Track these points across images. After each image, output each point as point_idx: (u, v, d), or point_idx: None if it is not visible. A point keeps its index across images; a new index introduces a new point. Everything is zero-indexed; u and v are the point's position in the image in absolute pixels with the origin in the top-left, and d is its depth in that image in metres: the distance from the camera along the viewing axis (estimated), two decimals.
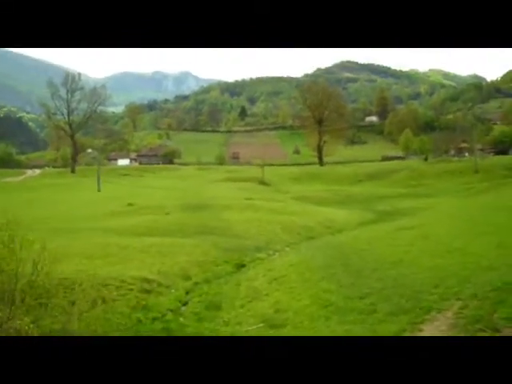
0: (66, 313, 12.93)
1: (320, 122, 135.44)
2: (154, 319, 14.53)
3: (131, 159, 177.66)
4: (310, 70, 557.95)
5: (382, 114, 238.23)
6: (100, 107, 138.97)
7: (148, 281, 17.73)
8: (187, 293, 17.88)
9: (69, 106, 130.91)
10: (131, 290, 16.47)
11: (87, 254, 21.30)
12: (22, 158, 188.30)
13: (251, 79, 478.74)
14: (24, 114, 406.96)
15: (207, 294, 17.39)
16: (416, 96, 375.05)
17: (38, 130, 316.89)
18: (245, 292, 16.68)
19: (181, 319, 14.66)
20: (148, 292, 16.86)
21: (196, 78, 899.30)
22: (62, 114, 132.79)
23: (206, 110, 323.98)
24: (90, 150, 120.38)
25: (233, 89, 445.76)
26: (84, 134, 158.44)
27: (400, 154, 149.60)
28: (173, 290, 17.82)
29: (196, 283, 19.30)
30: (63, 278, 15.14)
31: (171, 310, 15.57)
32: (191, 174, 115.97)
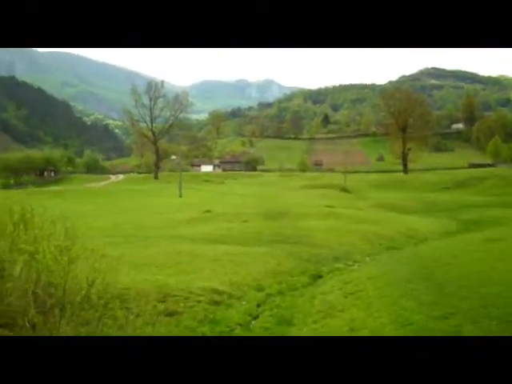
0: (128, 325, 12.18)
1: (404, 129, 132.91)
2: (221, 334, 13.63)
3: (214, 166, 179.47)
4: (395, 77, 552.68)
5: (469, 120, 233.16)
6: (183, 114, 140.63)
7: (218, 292, 16.83)
8: (259, 305, 16.84)
9: (152, 114, 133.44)
10: (199, 301, 15.60)
11: (158, 262, 20.67)
12: (108, 163, 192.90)
13: (334, 87, 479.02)
14: (110, 121, 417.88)
15: (279, 308, 16.33)
16: (505, 102, 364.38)
17: (123, 137, 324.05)
18: (319, 306, 15.56)
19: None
20: (217, 304, 15.94)
21: (279, 86, 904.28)
22: (145, 121, 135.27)
23: (289, 118, 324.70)
24: (173, 157, 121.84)
25: (316, 96, 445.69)
26: (168, 141, 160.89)
27: (488, 161, 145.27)
28: (244, 302, 16.82)
29: (269, 295, 18.25)
30: (129, 288, 14.48)
31: (240, 324, 14.54)
32: (273, 180, 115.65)
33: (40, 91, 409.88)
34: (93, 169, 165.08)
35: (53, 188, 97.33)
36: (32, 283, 10.37)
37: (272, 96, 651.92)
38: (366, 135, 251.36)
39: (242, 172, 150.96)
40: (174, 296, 15.35)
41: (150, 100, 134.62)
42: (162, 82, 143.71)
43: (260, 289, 18.85)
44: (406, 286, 14.99)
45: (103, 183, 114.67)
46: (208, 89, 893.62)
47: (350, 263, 25.01)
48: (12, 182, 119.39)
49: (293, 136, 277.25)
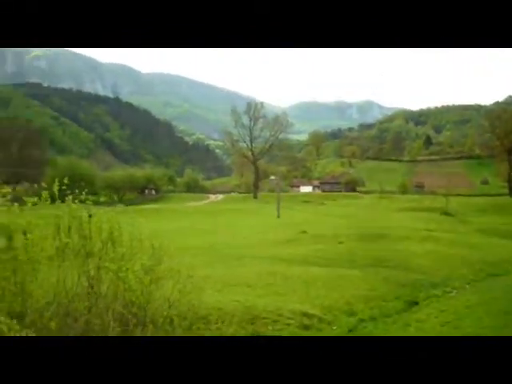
0: None
1: (510, 151, 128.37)
2: None
3: (314, 186, 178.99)
4: (501, 98, 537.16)
5: None
6: (283, 135, 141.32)
7: (308, 316, 16.34)
8: (350, 331, 16.27)
9: (251, 134, 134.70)
10: (288, 324, 15.18)
11: (249, 283, 20.41)
12: (208, 183, 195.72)
13: (436, 107, 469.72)
14: (211, 141, 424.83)
15: (372, 334, 15.73)
16: None
17: (224, 157, 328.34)
18: (414, 335, 14.88)
19: None
20: (307, 328, 15.46)
21: (380, 107, 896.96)
22: (245, 142, 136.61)
23: (390, 139, 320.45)
24: (272, 177, 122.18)
25: (417, 117, 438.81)
26: (268, 161, 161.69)
27: None
28: (334, 327, 16.28)
29: (361, 320, 17.60)
30: (216, 308, 14.25)
31: None
32: (372, 202, 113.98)
33: (143, 111, 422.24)
34: (193, 188, 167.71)
35: (152, 206, 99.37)
36: (117, 302, 10.34)
37: (372, 117, 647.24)
38: (470, 157, 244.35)
39: (342, 193, 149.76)
40: (263, 318, 15.01)
41: (250, 120, 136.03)
42: (262, 103, 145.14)
43: (352, 313, 18.24)
44: (507, 317, 14.13)
45: (202, 202, 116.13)
46: (307, 110, 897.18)
47: (448, 290, 23.94)
48: (116, 198, 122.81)
49: (393, 157, 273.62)
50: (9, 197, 9.47)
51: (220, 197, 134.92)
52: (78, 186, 12.39)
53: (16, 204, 9.37)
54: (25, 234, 9.14)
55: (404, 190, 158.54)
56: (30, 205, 9.90)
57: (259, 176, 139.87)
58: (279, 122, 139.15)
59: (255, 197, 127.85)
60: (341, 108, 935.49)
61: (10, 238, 8.86)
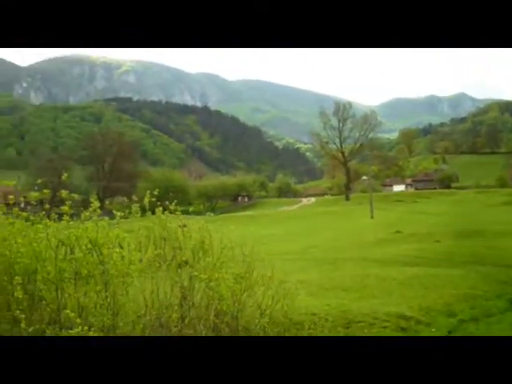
0: None
1: None
2: None
3: (406, 185, 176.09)
4: None
5: None
6: (372, 134, 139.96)
7: (405, 318, 15.91)
8: (449, 332, 15.76)
9: (341, 135, 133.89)
10: (385, 327, 14.80)
11: (344, 286, 20.10)
12: (300, 187, 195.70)
13: None
14: (301, 144, 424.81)
15: (473, 335, 15.18)
16: None
17: (314, 160, 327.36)
18: None
19: None
20: (404, 330, 15.07)
21: (472, 99, 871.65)
22: (335, 143, 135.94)
23: (485, 132, 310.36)
24: (364, 177, 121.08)
25: None
26: (359, 161, 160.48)
27: None
28: (433, 329, 15.79)
29: (461, 321, 16.98)
30: (311, 313, 14.08)
31: None
32: (468, 198, 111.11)
33: (232, 119, 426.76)
34: (285, 192, 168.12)
35: (245, 213, 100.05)
36: (209, 311, 10.34)
37: (465, 110, 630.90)
38: None
39: (436, 190, 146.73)
40: (358, 322, 14.73)
41: (339, 121, 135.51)
42: (350, 103, 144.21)
43: (451, 314, 17.65)
44: None
45: (295, 206, 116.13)
46: (397, 107, 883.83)
47: None
48: (208, 207, 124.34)
49: (489, 150, 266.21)
50: (100, 211, 9.52)
51: (312, 200, 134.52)
52: (171, 196, 12.51)
53: (106, 218, 9.49)
54: (115, 247, 9.24)
55: (502, 183, 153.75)
56: (118, 218, 10.01)
57: (351, 177, 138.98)
58: (368, 121, 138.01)
59: (347, 198, 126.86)
60: (432, 103, 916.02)
61: (100, 253, 8.97)
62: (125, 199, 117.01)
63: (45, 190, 10.14)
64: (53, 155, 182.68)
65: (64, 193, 9.29)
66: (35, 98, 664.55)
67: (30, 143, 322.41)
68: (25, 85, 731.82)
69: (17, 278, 8.08)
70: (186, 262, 10.90)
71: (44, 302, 8.93)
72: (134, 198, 11.08)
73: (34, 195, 9.96)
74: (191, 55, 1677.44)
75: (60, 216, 9.58)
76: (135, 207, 10.47)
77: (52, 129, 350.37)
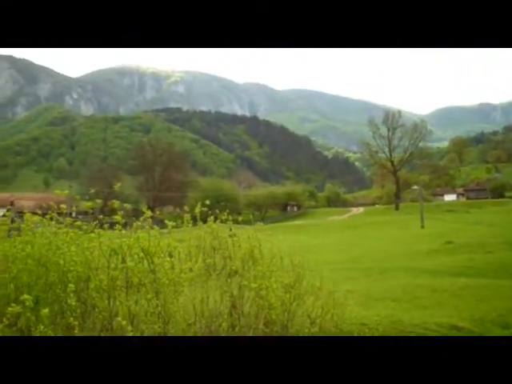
0: None
1: None
2: None
3: (458, 194, 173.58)
4: None
5: None
6: (422, 143, 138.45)
7: (457, 328, 15.70)
8: None
9: (390, 144, 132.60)
10: None
11: (394, 296, 19.90)
12: (349, 196, 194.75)
13: None
14: (350, 153, 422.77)
15: None
16: None
17: (364, 169, 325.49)
18: None
19: None
20: None
21: None
22: (384, 152, 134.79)
23: None
24: (414, 187, 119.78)
25: None
26: (409, 171, 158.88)
27: None
28: None
29: None
30: (361, 324, 13.98)
31: None
32: None
33: (281, 128, 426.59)
34: (334, 202, 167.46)
35: (294, 222, 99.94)
36: (259, 320, 10.35)
37: None
38: None
39: (488, 200, 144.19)
40: (409, 332, 14.59)
41: (388, 130, 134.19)
42: (399, 111, 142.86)
43: (506, 326, 17.35)
44: None
45: (344, 216, 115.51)
46: (449, 115, 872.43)
47: None
48: (257, 217, 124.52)
49: None
50: (151, 220, 9.64)
51: (361, 210, 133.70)
52: (221, 206, 12.65)
53: (156, 227, 9.59)
54: (166, 256, 9.33)
55: None
56: (170, 227, 10.11)
57: (400, 186, 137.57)
58: (418, 130, 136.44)
59: (397, 208, 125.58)
60: (484, 111, 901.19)
61: (152, 261, 9.07)
62: (174, 209, 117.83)
63: (97, 200, 10.30)
64: (103, 165, 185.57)
65: (116, 203, 9.43)
66: (86, 109, 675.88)
67: (80, 153, 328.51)
68: (75, 96, 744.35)
69: (70, 285, 8.22)
70: (236, 272, 10.94)
71: (96, 309, 9.07)
72: (186, 208, 11.18)
73: (87, 205, 10.13)
74: (240, 65, 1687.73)
75: (111, 225, 9.73)
76: (186, 217, 10.56)
77: (102, 139, 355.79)
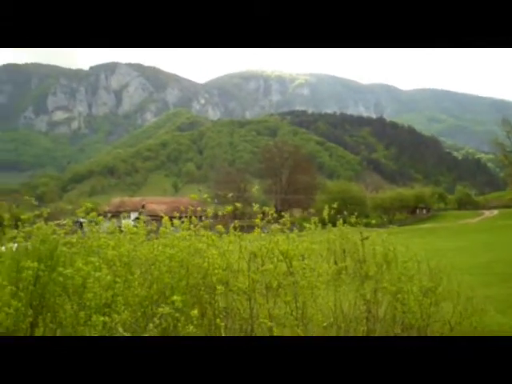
0: None
1: None
2: None
3: None
4: None
5: None
6: None
7: None
8: None
9: None
10: None
11: None
12: (480, 198, 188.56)
13: None
14: (482, 154, 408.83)
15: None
16: None
17: (497, 170, 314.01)
18: None
19: None
20: None
21: None
22: None
23: None
24: None
25: None
26: None
27: None
28: None
29: None
30: (502, 331, 13.40)
31: None
32: None
33: (408, 129, 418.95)
34: (464, 205, 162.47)
35: (425, 226, 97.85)
36: (396, 325, 10.18)
37: None
38: None
39: None
40: None
41: None
42: None
43: None
44: None
45: (476, 219, 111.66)
46: None
47: None
48: (386, 219, 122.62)
49: None
50: (285, 223, 9.68)
51: (495, 212, 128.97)
52: (348, 209, 12.50)
53: (295, 230, 9.63)
54: (304, 259, 9.32)
55: None
56: (308, 230, 10.10)
57: None
58: None
59: None
60: None
61: (290, 264, 9.08)
62: (302, 211, 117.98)
63: (237, 204, 10.43)
64: (231, 169, 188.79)
65: (255, 206, 9.51)
66: (213, 114, 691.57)
67: (208, 157, 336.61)
68: (202, 101, 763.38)
69: (219, 287, 8.41)
70: (368, 275, 10.80)
71: (237, 311, 9.17)
72: (312, 210, 11.12)
73: (228, 208, 10.23)
74: (364, 66, 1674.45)
75: (241, 228, 9.81)
76: (314, 219, 10.50)
77: (229, 143, 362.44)
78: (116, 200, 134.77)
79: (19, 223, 9.69)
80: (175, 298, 7.15)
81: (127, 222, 11.30)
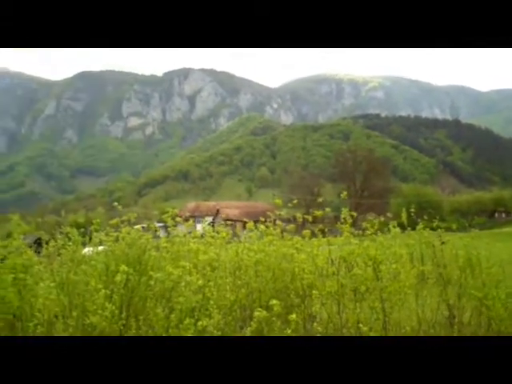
0: None
1: None
2: None
3: None
4: None
5: None
6: None
7: None
8: None
9: None
10: None
11: None
12: None
13: None
14: None
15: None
16: None
17: None
18: None
19: None
20: None
21: None
22: None
23: None
24: None
25: None
26: None
27: None
28: None
29: None
30: None
31: None
32: None
33: (486, 131, 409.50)
34: None
35: (506, 230, 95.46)
36: (481, 330, 9.98)
37: None
38: None
39: None
40: None
41: None
42: None
43: None
44: None
45: None
46: None
47: None
48: (466, 224, 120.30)
49: None
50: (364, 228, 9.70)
51: None
52: (425, 213, 12.35)
53: (380, 234, 9.61)
54: (392, 264, 9.29)
55: None
56: (394, 233, 10.06)
57: None
58: None
59: None
60: None
61: (379, 269, 9.07)
62: (377, 215, 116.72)
63: (327, 209, 10.46)
64: (304, 173, 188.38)
65: (345, 211, 9.53)
66: (286, 118, 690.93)
67: (281, 162, 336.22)
68: (275, 106, 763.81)
69: (314, 292, 8.52)
70: (450, 280, 10.64)
71: (328, 316, 9.21)
72: (389, 214, 11.04)
73: (318, 213, 10.25)
74: (439, 67, 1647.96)
75: (313, 233, 9.83)
76: (393, 223, 10.43)
77: (302, 147, 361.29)
78: (191, 204, 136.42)
79: (107, 228, 9.97)
80: (274, 302, 7.23)
81: (206, 227, 11.45)
